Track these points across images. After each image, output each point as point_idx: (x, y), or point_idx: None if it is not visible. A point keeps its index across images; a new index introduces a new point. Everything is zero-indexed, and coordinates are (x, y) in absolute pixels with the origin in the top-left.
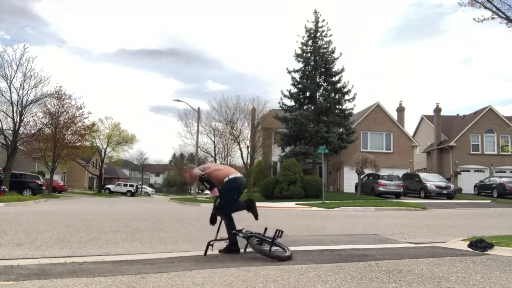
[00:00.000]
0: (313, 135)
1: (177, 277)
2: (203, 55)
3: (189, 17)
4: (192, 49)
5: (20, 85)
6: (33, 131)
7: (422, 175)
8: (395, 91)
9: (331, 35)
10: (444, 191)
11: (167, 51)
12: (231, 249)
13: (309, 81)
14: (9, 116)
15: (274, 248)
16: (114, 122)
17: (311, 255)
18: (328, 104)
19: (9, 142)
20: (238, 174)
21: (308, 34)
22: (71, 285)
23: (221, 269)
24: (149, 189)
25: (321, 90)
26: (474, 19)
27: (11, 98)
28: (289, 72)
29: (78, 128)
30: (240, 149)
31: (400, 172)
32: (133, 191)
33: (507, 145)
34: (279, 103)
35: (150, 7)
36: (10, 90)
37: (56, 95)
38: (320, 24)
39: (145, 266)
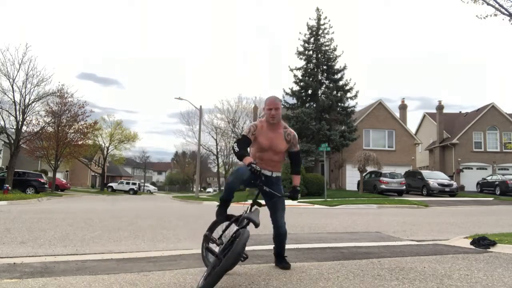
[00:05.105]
0: (315, 133)
1: (180, 275)
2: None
3: (188, 16)
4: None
5: (23, 83)
6: (35, 130)
7: (425, 172)
8: (397, 89)
9: (333, 33)
10: (447, 189)
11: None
12: None
13: (311, 79)
14: (12, 115)
15: None
16: (116, 120)
17: (313, 253)
18: (330, 102)
19: (12, 141)
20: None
21: (310, 31)
22: (74, 283)
23: None
24: (151, 187)
25: (323, 88)
26: (476, 15)
27: (13, 97)
28: (291, 70)
29: (81, 127)
30: None
31: (402, 170)
32: (135, 189)
33: (510, 142)
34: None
35: (153, 13)
36: (12, 89)
37: (58, 94)
38: (322, 22)
39: (148, 264)
